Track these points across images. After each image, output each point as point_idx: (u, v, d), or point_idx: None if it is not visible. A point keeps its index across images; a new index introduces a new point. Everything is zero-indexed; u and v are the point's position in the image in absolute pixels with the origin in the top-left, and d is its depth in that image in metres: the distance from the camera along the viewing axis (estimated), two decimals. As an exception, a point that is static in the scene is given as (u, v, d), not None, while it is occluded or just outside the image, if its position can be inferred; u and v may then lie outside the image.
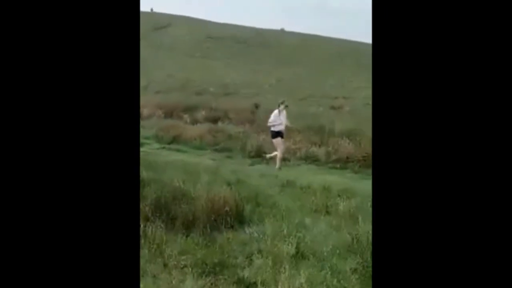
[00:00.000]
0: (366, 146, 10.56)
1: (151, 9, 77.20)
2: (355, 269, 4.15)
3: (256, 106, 22.00)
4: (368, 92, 17.88)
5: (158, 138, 13.97)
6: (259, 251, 4.60)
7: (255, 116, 18.50)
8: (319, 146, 12.18)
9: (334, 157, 11.31)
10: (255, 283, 3.93)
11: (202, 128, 15.16)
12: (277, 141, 10.56)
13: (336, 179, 9.02)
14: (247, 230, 5.27)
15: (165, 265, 4.16)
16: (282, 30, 62.49)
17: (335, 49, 48.98)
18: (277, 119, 10.47)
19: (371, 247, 3.94)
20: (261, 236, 5.02)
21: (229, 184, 7.34)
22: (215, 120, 17.57)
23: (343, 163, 10.82)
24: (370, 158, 9.36)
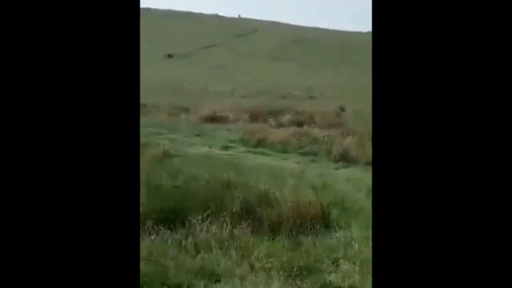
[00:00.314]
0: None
1: (239, 15, 78.81)
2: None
3: (342, 109, 21.71)
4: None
5: (244, 142, 14.19)
6: (346, 256, 4.53)
7: (341, 119, 18.26)
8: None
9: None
10: (341, 288, 3.87)
11: (287, 132, 15.18)
12: None
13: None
14: (334, 234, 5.21)
15: (251, 267, 4.21)
16: (369, 33, 61.25)
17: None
18: None
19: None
20: (348, 241, 4.94)
21: (314, 188, 7.30)
22: (300, 124, 17.54)
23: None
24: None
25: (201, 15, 76.82)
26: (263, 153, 12.58)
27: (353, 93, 29.55)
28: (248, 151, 12.87)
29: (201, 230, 5.02)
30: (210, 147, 12.62)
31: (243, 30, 61.43)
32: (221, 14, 76.74)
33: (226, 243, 4.67)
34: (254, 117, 19.28)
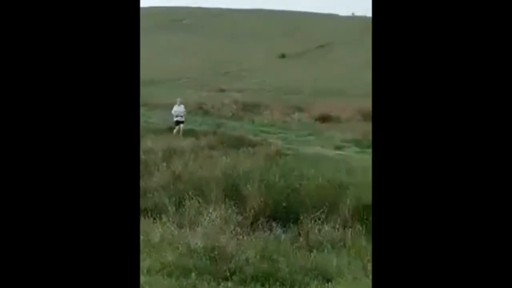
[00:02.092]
0: None
1: (352, 13, 77.73)
2: None
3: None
4: None
5: (356, 142, 13.99)
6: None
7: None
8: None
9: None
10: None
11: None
12: None
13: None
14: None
15: (364, 269, 4.16)
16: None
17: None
18: None
19: None
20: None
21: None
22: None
23: None
24: None
25: (315, 15, 76.85)
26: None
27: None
28: (362, 152, 12.66)
29: (313, 229, 5.05)
30: (322, 146, 12.60)
31: (357, 28, 60.38)
32: (334, 13, 76.38)
33: (338, 244, 4.66)
34: (367, 117, 18.91)
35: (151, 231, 4.95)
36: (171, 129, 14.72)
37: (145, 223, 5.44)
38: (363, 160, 10.97)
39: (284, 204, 5.86)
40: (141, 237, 4.75)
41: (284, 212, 5.73)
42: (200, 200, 5.84)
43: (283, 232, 5.33)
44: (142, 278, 3.87)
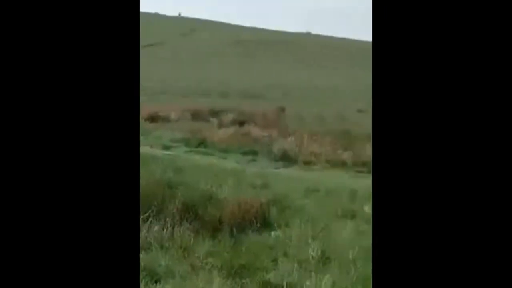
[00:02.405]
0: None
1: (179, 14, 78.20)
2: (381, 274, 4.13)
3: (282, 110, 22.01)
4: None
5: (185, 141, 14.14)
6: (285, 255, 4.63)
7: (281, 120, 18.54)
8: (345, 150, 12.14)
9: (360, 161, 11.25)
10: (281, 286, 3.96)
11: (228, 132, 15.25)
12: None
13: (362, 183, 8.98)
14: (273, 233, 5.31)
15: (192, 266, 4.23)
16: (308, 34, 62.45)
17: (354, 50, 48.52)
18: None
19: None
20: (286, 239, 5.04)
21: (254, 187, 7.39)
22: (241, 123, 17.68)
23: (370, 167, 10.76)
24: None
25: (144, 14, 75.63)
26: (204, 153, 12.57)
27: (295, 94, 30.06)
28: (190, 151, 12.83)
29: (142, 230, 4.98)
30: (151, 146, 12.47)
31: (184, 29, 60.97)
32: (161, 13, 76.00)
33: (167, 243, 4.66)
34: (196, 116, 19.24)
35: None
36: None
37: None
38: (192, 159, 11.13)
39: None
40: None
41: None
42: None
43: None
44: None
